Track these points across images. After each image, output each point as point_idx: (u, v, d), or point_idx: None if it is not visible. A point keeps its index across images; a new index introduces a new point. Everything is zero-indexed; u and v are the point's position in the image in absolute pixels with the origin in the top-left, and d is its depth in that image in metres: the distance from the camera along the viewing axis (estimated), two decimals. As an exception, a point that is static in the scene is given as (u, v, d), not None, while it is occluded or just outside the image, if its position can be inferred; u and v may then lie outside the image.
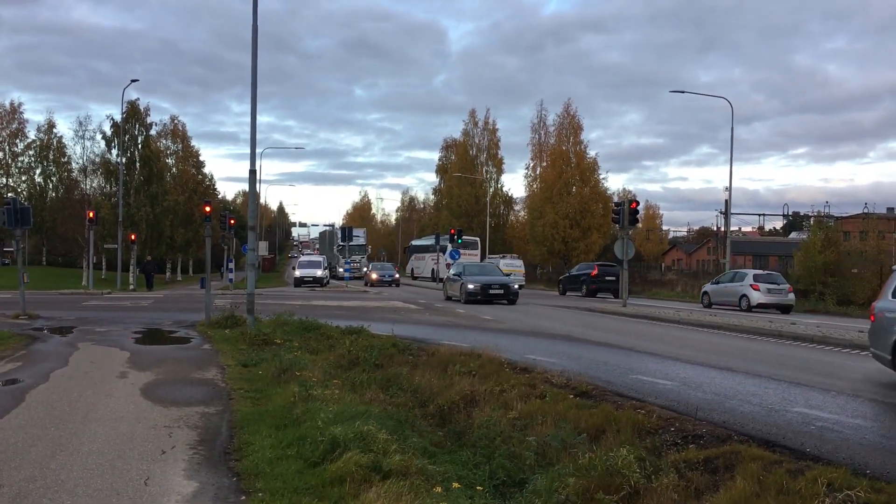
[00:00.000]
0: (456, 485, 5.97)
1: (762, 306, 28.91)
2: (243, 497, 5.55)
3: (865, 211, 57.10)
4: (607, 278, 38.92)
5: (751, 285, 29.42)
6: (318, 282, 50.42)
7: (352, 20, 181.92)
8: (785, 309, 29.03)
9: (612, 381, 10.20)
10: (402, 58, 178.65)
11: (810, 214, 54.50)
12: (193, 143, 64.74)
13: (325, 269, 52.40)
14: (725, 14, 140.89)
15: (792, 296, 29.67)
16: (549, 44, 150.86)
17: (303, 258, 63.10)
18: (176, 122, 62.56)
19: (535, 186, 63.03)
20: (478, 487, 6.17)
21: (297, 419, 7.69)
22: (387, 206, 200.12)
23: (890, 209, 76.17)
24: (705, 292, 32.67)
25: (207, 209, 20.55)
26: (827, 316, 26.24)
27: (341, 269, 55.92)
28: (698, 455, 6.57)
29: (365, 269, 60.24)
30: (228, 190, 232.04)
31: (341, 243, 58.10)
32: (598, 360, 12.64)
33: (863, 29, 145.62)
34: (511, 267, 48.74)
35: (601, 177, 59.50)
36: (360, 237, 70.08)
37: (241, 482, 5.91)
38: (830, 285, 34.48)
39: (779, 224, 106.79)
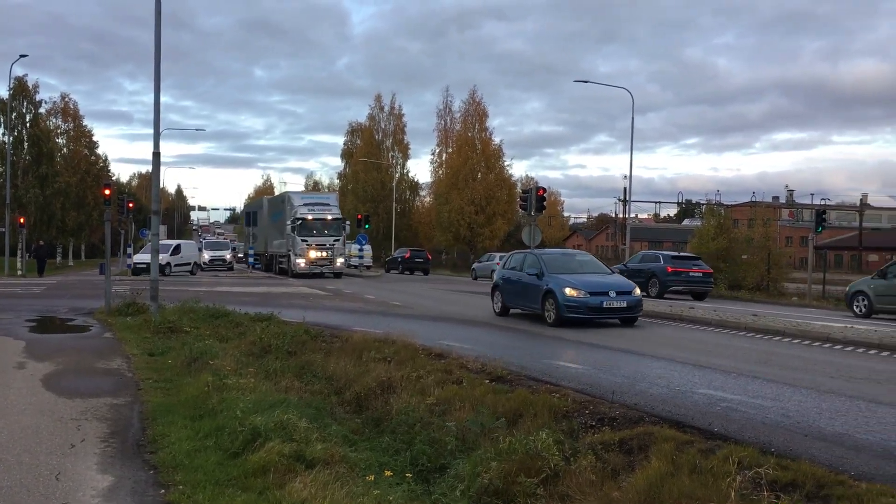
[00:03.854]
0: (388, 472, 5.97)
1: (675, 292, 27.90)
2: (162, 491, 5.39)
3: (753, 199, 59.86)
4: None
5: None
6: (226, 265, 49.37)
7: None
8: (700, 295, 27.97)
9: (525, 366, 10.39)
10: (304, 39, 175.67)
11: (702, 202, 56.98)
12: (85, 122, 61.45)
13: (232, 251, 50.21)
14: (622, 7, 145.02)
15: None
16: (452, 30, 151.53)
17: (209, 240, 59.99)
18: (67, 100, 59.44)
19: (440, 172, 63.27)
20: (407, 475, 6.19)
21: (214, 409, 7.51)
22: (290, 189, 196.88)
23: (775, 198, 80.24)
24: None
25: (107, 192, 19.74)
26: (720, 300, 27.29)
27: (301, 261, 37.80)
28: (614, 437, 6.78)
29: (340, 258, 39.17)
30: (123, 172, 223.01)
31: (301, 216, 38.29)
32: (510, 344, 12.87)
33: (750, 25, 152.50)
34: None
35: (506, 164, 60.30)
36: (329, 206, 40.26)
37: (158, 475, 5.74)
38: (723, 270, 36.01)
39: (673, 211, 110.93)
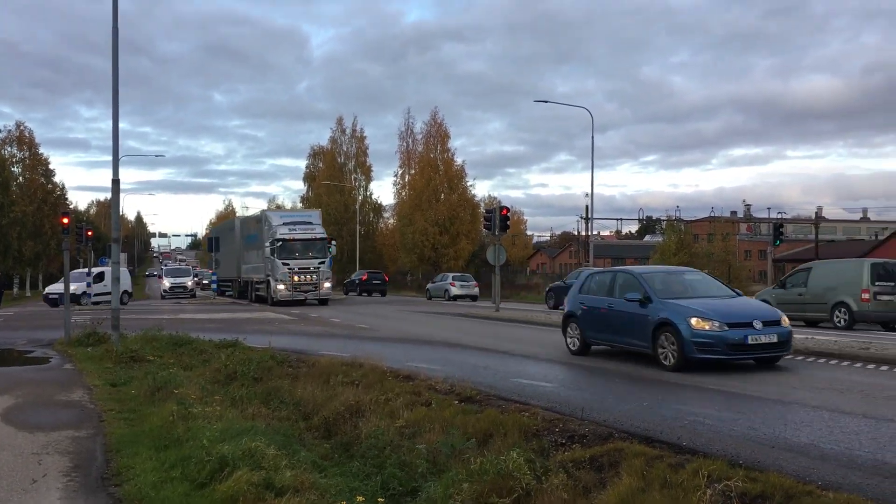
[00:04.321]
0: (360, 498, 5.91)
1: None
2: (129, 524, 5.27)
3: (712, 214, 60.79)
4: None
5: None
6: (188, 292, 48.24)
7: (209, 24, 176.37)
8: None
9: (494, 386, 10.39)
10: (263, 63, 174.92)
11: (663, 218, 57.66)
12: (42, 150, 60.41)
13: (195, 278, 48.80)
14: (579, 27, 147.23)
15: None
16: (411, 52, 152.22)
17: (170, 266, 58.53)
18: (22, 128, 58.47)
19: (403, 194, 63.32)
20: (379, 500, 6.14)
21: (179, 439, 7.39)
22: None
23: (733, 212, 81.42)
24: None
25: (65, 221, 19.43)
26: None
27: (281, 286, 33.89)
28: (584, 454, 6.80)
29: (327, 282, 35.58)
30: (81, 200, 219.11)
31: (281, 237, 34.32)
32: (478, 364, 12.84)
33: (704, 44, 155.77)
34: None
35: (468, 184, 60.62)
36: (312, 225, 36.46)
37: (124, 509, 5.62)
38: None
39: (634, 228, 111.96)
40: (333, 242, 36.91)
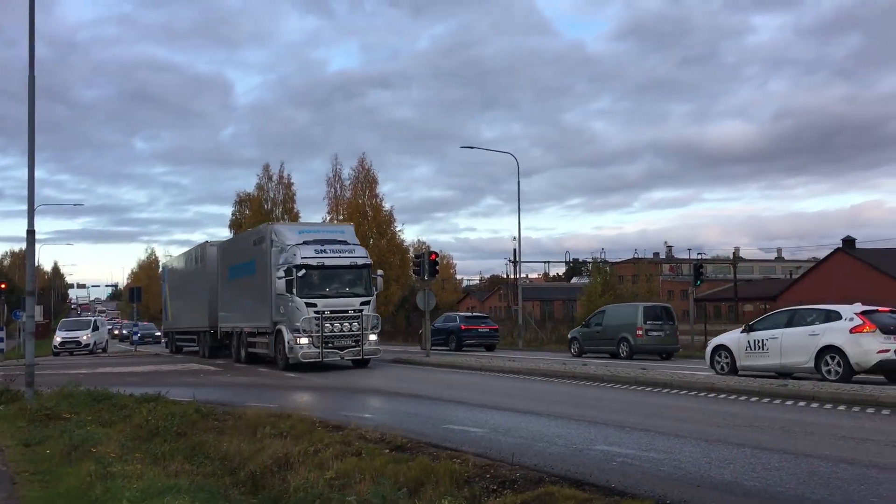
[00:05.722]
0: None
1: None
2: None
3: (636, 256, 62.34)
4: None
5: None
6: (82, 347, 40.94)
7: (129, 70, 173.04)
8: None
9: (425, 433, 10.31)
10: (187, 110, 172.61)
11: (589, 260, 58.80)
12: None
13: (96, 330, 41.42)
14: (503, 75, 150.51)
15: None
16: (338, 99, 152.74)
17: (67, 319, 48.79)
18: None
19: (332, 240, 62.81)
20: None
21: (98, 500, 7.08)
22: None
23: (656, 254, 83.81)
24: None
25: (-25, 273, 18.50)
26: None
27: (305, 339, 21.57)
28: (515, 499, 6.78)
29: (373, 333, 22.85)
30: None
31: (304, 263, 22.17)
32: (409, 412, 12.75)
33: (623, 91, 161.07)
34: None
35: (397, 229, 60.60)
36: (348, 245, 23.52)
37: (37, 578, 5.33)
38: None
39: (561, 270, 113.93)
40: (380, 273, 24.52)
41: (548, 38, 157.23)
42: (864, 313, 15.97)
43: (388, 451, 9.06)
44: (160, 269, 51.84)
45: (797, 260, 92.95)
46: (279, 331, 22.61)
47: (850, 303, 17.31)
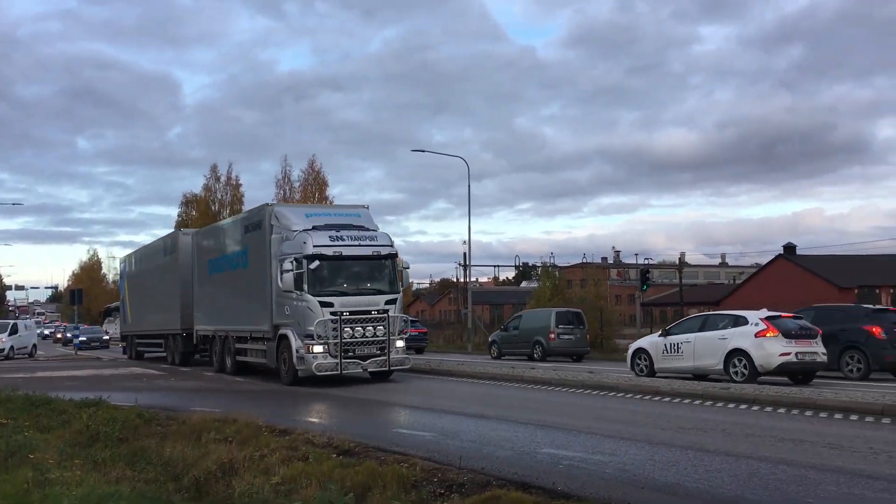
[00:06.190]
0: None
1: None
2: None
3: (584, 261, 63.00)
4: None
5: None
6: None
7: (73, 67, 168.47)
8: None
9: (373, 437, 10.26)
10: (132, 109, 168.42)
11: (538, 265, 59.18)
12: None
13: (14, 333, 37.69)
14: (455, 80, 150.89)
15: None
16: (288, 100, 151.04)
17: None
18: None
19: (281, 242, 62.17)
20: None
21: (35, 508, 6.89)
22: (119, 265, 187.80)
23: (604, 258, 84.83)
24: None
25: None
26: (559, 359, 28.41)
27: (319, 347, 17.42)
28: (462, 503, 6.80)
29: (400, 339, 18.73)
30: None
31: (317, 252, 17.98)
32: (354, 418, 12.68)
33: (573, 98, 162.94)
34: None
35: (348, 232, 60.19)
36: (368, 231, 19.34)
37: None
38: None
39: (511, 274, 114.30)
40: (407, 265, 20.19)
41: (499, 43, 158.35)
42: (768, 319, 16.83)
43: (335, 455, 8.99)
44: (119, 264, 43.98)
45: (740, 265, 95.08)
46: (283, 336, 18.47)
47: (790, 308, 17.87)
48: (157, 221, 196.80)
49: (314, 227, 18.53)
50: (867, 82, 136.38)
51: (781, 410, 12.08)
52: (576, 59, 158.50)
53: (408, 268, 20.03)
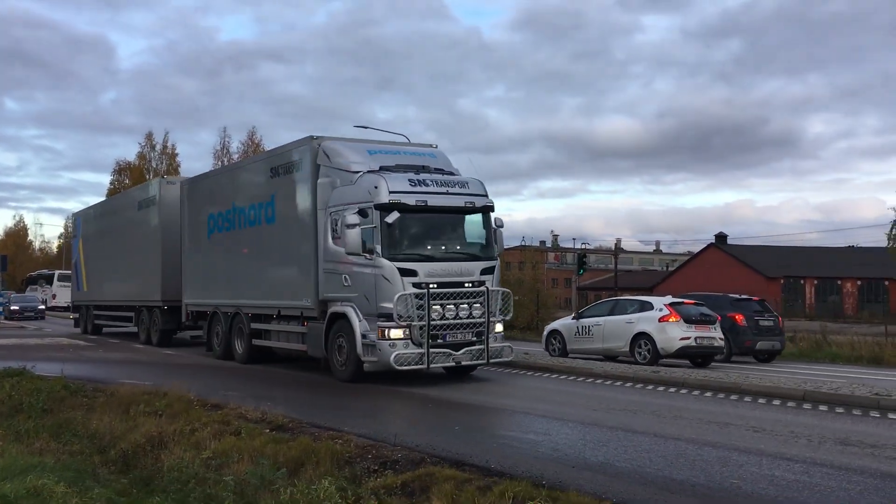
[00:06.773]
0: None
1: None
2: None
3: (523, 243, 63.59)
4: None
5: None
6: None
7: (1, 25, 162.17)
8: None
9: (309, 414, 10.20)
10: (64, 71, 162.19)
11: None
12: None
13: None
14: (399, 58, 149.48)
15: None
16: (228, 69, 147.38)
17: None
18: None
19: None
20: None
21: (-49, 480, 6.64)
22: (47, 232, 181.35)
23: (542, 242, 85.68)
24: None
25: None
26: None
27: (397, 331, 12.64)
28: (396, 480, 6.81)
29: (499, 323, 13.87)
30: None
31: (395, 200, 12.96)
32: (289, 396, 12.58)
33: (517, 81, 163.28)
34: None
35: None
36: (455, 178, 14.42)
37: None
38: (497, 311, 37.92)
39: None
40: (501, 222, 14.80)
41: (445, 22, 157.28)
42: (671, 304, 17.71)
43: (268, 430, 8.91)
44: (71, 220, 37.94)
45: (674, 253, 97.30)
46: (339, 316, 13.80)
47: (723, 294, 18.43)
48: (87, 188, 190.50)
49: (382, 168, 13.86)
50: (800, 79, 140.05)
51: (708, 394, 12.42)
52: (521, 42, 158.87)
53: (502, 227, 14.78)
